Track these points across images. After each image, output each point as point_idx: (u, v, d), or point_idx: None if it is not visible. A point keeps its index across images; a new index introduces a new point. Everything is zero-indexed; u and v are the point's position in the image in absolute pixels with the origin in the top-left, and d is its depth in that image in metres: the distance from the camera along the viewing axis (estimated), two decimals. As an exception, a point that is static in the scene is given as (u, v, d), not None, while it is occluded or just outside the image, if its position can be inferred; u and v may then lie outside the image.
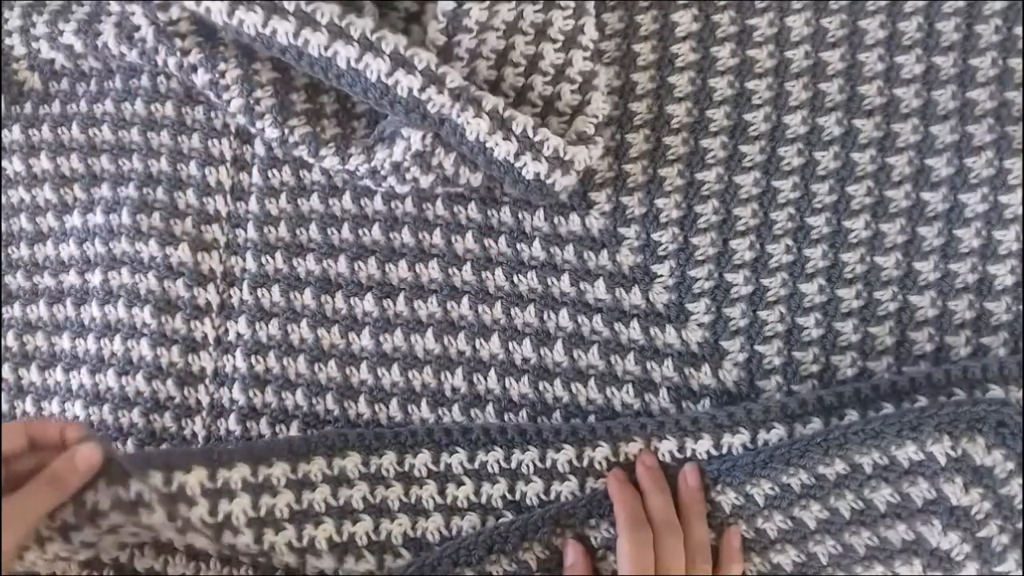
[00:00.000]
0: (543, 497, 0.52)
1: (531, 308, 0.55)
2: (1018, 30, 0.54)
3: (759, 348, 0.53)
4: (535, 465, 0.52)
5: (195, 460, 0.50)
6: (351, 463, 0.53)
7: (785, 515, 0.50)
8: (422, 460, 0.53)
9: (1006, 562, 0.48)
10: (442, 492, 0.52)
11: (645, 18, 0.57)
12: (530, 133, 0.51)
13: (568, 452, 0.52)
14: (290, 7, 0.51)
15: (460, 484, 0.52)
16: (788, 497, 0.49)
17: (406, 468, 0.53)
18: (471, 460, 0.53)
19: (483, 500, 0.52)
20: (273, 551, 0.51)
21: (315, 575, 0.52)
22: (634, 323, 0.54)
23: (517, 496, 0.52)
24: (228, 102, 0.55)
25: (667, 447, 0.51)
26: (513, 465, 0.52)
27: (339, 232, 0.58)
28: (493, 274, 0.56)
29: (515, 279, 0.55)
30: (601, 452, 0.52)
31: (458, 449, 0.53)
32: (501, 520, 0.52)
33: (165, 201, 0.59)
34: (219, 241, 0.59)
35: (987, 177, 0.53)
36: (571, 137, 0.53)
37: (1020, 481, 0.48)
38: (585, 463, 0.52)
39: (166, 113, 0.61)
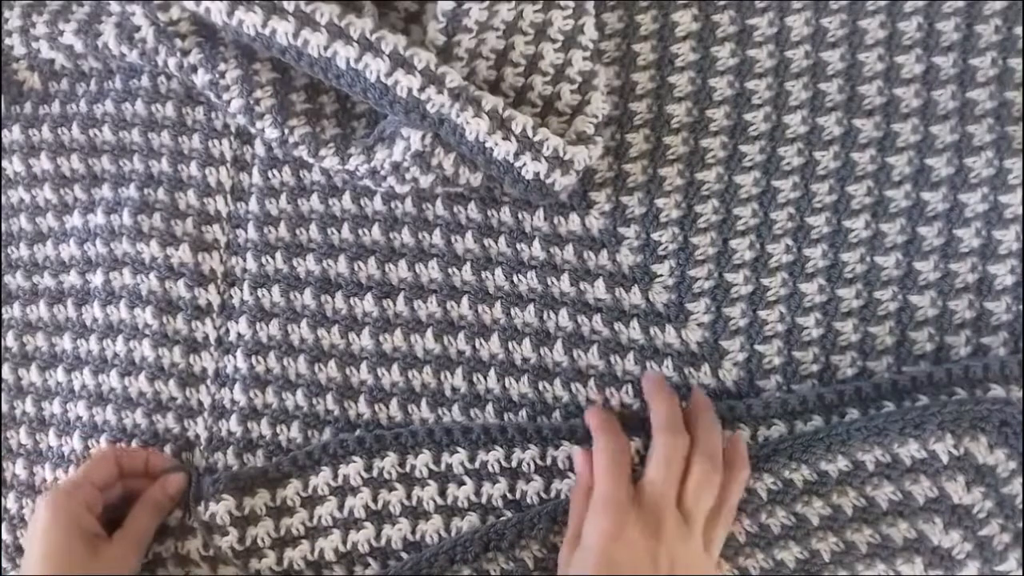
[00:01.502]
0: (543, 495, 0.52)
1: (531, 308, 0.55)
2: (1018, 30, 0.54)
3: (759, 348, 0.53)
4: (535, 463, 0.52)
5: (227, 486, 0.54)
6: (354, 469, 0.53)
7: (788, 511, 0.50)
8: (423, 460, 0.53)
9: (1007, 561, 0.48)
10: (443, 493, 0.53)
11: (645, 18, 0.58)
12: (530, 133, 0.51)
13: (568, 449, 0.52)
14: (290, 7, 0.51)
15: (461, 484, 0.53)
16: (791, 492, 0.49)
17: (407, 469, 0.53)
18: (472, 460, 0.53)
19: (484, 500, 0.52)
20: (292, 570, 0.53)
21: None
22: (634, 323, 0.54)
23: (517, 495, 0.52)
24: (228, 102, 0.55)
25: None
26: (514, 464, 0.52)
27: (339, 232, 0.58)
28: (493, 274, 0.56)
29: (515, 279, 0.55)
30: None
31: (459, 449, 0.53)
32: (500, 519, 0.52)
33: (166, 202, 0.59)
34: (220, 241, 0.59)
35: (987, 177, 0.53)
36: (571, 137, 0.53)
37: (1022, 480, 0.48)
38: None
39: (166, 114, 0.61)
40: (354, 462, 0.53)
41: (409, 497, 0.53)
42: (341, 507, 0.53)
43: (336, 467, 0.53)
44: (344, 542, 0.53)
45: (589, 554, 0.45)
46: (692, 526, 0.46)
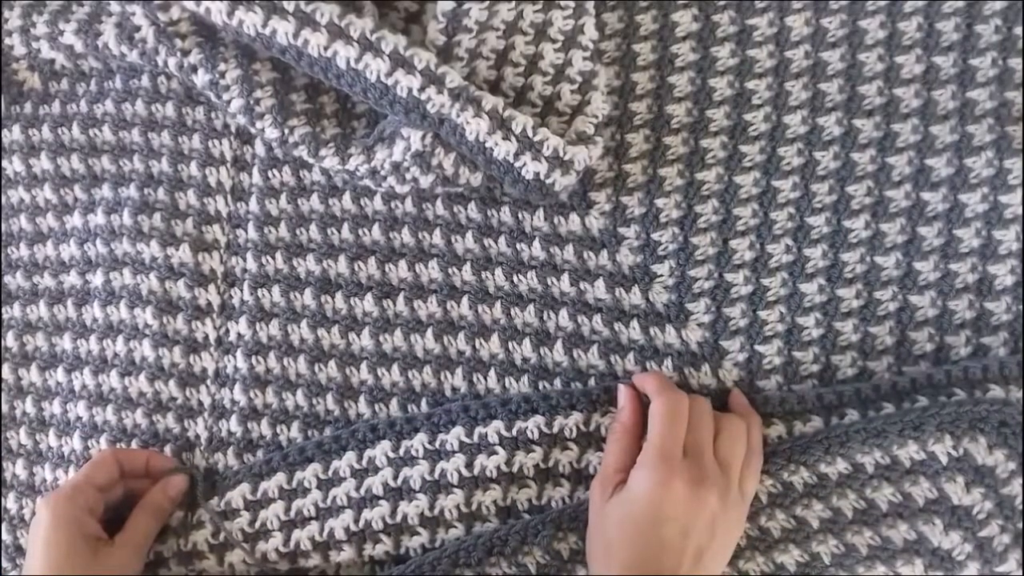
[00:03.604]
0: (576, 465, 0.52)
1: (531, 308, 0.55)
2: (1018, 30, 0.54)
3: (759, 348, 0.53)
4: (578, 428, 0.51)
5: (245, 476, 0.54)
6: (381, 451, 0.53)
7: (788, 514, 0.50)
8: (455, 434, 0.52)
9: (1007, 562, 0.48)
10: (470, 464, 0.52)
11: (645, 18, 0.58)
12: (530, 133, 0.51)
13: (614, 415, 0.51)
14: (290, 7, 0.51)
15: (492, 454, 0.51)
16: (791, 495, 0.49)
17: (437, 446, 0.52)
18: (508, 428, 0.52)
19: (514, 469, 0.51)
20: (299, 550, 0.52)
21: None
22: (634, 323, 0.54)
23: (551, 464, 0.51)
24: (228, 102, 0.55)
25: None
26: (554, 430, 0.51)
27: (339, 232, 0.58)
28: (493, 274, 0.56)
29: (515, 279, 0.55)
30: None
31: (495, 420, 0.52)
32: (504, 524, 0.51)
33: (166, 202, 0.59)
34: (220, 241, 0.59)
35: (987, 177, 0.53)
36: (571, 137, 0.53)
37: (1021, 481, 0.48)
38: None
39: (167, 114, 0.61)
40: (381, 444, 0.53)
41: (432, 472, 0.52)
42: (360, 487, 0.52)
43: (362, 451, 0.53)
44: (356, 521, 0.52)
45: (636, 504, 0.46)
46: (730, 476, 0.47)
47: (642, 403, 0.51)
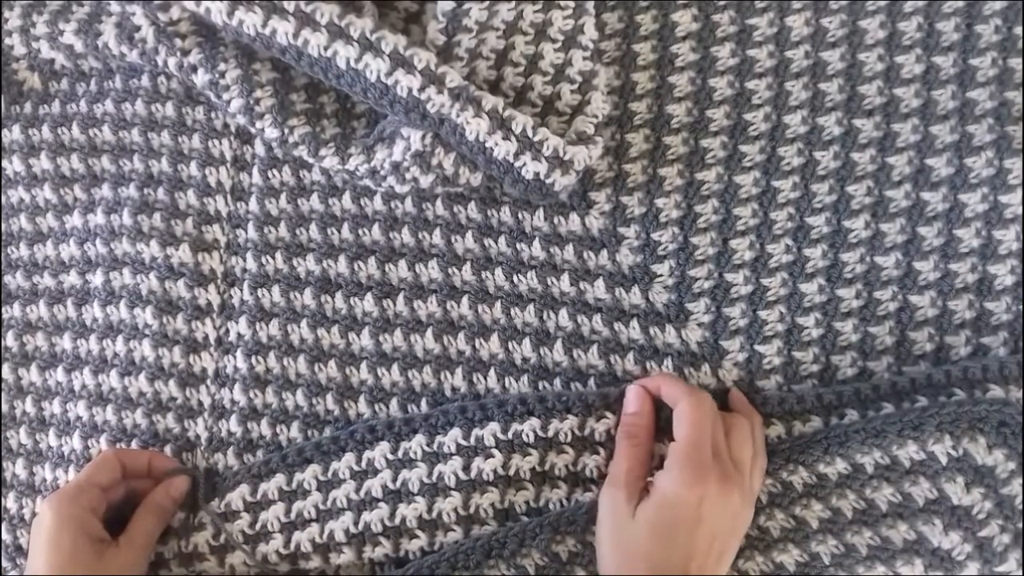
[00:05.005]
0: (572, 468, 0.52)
1: (531, 308, 0.55)
2: (1018, 30, 0.54)
3: (759, 348, 0.53)
4: (573, 433, 0.51)
5: (243, 476, 0.54)
6: (380, 453, 0.53)
7: (787, 514, 0.50)
8: (452, 437, 0.52)
9: (1007, 562, 0.48)
10: (467, 467, 0.51)
11: (645, 18, 0.58)
12: (530, 133, 0.51)
13: (609, 421, 0.51)
14: (290, 7, 0.51)
15: (489, 457, 0.51)
16: (790, 495, 0.49)
17: (435, 448, 0.52)
18: (504, 431, 0.52)
19: (511, 472, 0.51)
20: (299, 551, 0.52)
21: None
22: (634, 323, 0.54)
23: (547, 467, 0.52)
24: (228, 102, 0.55)
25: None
26: (550, 434, 0.51)
27: (339, 232, 0.58)
28: (493, 274, 0.56)
29: (515, 279, 0.55)
30: None
31: (491, 422, 0.52)
32: (502, 527, 0.51)
33: (166, 201, 0.59)
34: (220, 241, 0.59)
35: (987, 177, 0.53)
36: (571, 137, 0.53)
37: (1021, 481, 0.48)
38: None
39: (166, 113, 0.61)
40: (379, 446, 0.53)
41: (430, 474, 0.52)
42: (359, 489, 0.53)
43: (361, 452, 0.53)
44: (356, 523, 0.52)
45: (675, 509, 0.45)
46: (743, 473, 0.47)
47: (655, 405, 0.50)
